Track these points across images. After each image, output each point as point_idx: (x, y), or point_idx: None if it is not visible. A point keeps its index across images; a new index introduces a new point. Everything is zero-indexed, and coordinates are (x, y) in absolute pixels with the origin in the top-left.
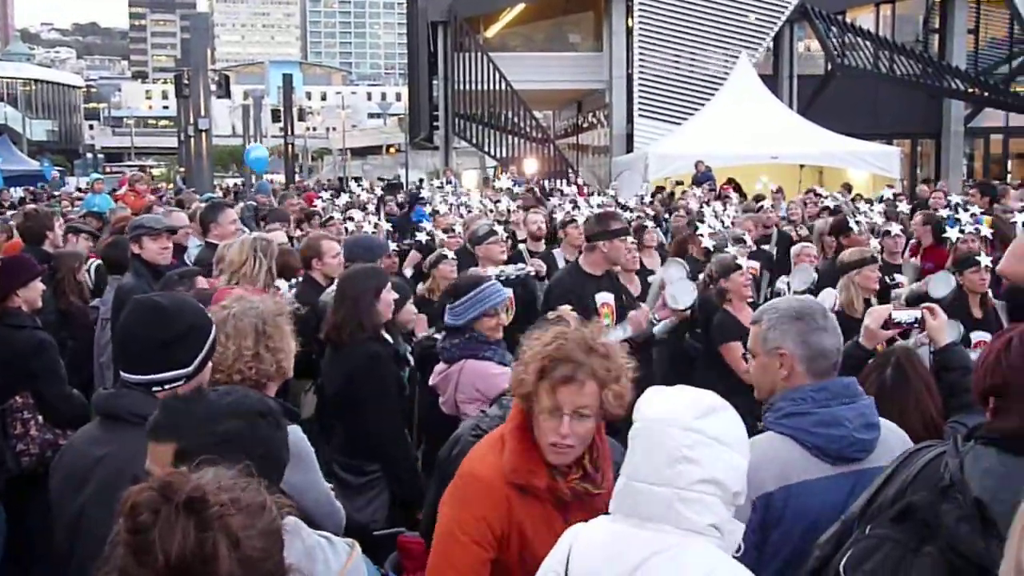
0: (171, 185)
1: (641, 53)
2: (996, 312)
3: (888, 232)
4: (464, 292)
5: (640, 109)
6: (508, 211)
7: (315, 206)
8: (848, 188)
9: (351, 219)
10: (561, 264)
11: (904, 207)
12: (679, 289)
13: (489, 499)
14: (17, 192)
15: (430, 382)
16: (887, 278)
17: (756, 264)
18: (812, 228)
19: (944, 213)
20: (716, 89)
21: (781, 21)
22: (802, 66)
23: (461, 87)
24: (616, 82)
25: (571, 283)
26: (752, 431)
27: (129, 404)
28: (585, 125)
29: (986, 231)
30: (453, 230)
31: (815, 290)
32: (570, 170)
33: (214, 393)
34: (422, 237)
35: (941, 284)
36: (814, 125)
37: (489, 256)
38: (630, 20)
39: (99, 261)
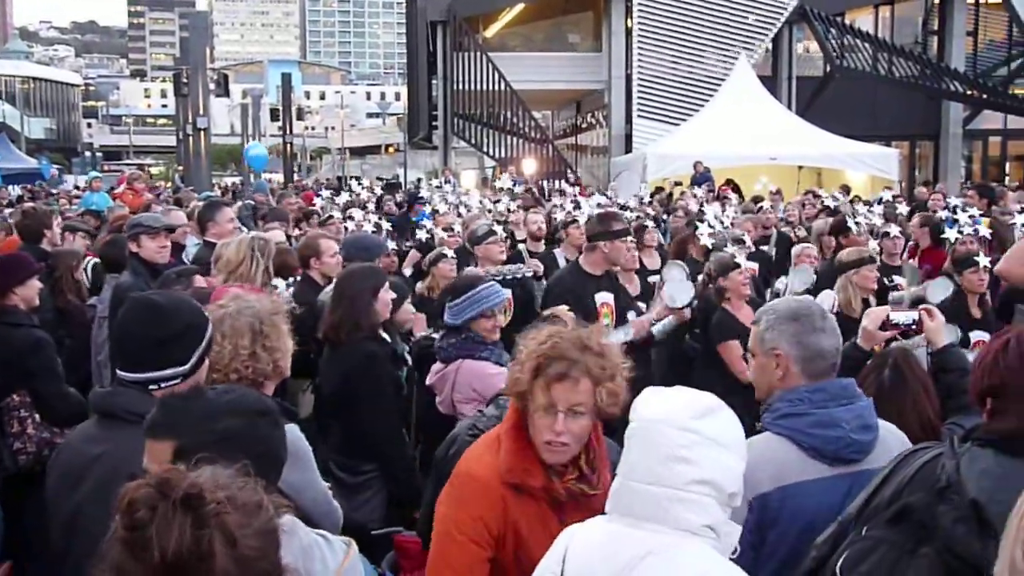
0: (169, 184)
1: (640, 53)
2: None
3: (887, 233)
4: (462, 292)
5: (639, 110)
6: (508, 211)
7: (314, 205)
8: (846, 189)
9: (351, 218)
10: (562, 264)
11: (902, 209)
12: (676, 288)
13: (485, 499)
14: (15, 190)
15: (427, 382)
16: (886, 280)
17: (755, 265)
18: (811, 229)
19: (942, 215)
20: (715, 90)
21: (780, 22)
22: (801, 67)
23: (460, 87)
24: (615, 82)
25: (571, 283)
26: (750, 431)
27: (125, 402)
28: (584, 125)
29: (984, 232)
30: (453, 229)
31: (814, 291)
32: (568, 170)
33: (212, 391)
34: (422, 236)
35: (939, 289)
36: (813, 126)
37: (488, 256)
38: (629, 20)
39: (97, 259)
